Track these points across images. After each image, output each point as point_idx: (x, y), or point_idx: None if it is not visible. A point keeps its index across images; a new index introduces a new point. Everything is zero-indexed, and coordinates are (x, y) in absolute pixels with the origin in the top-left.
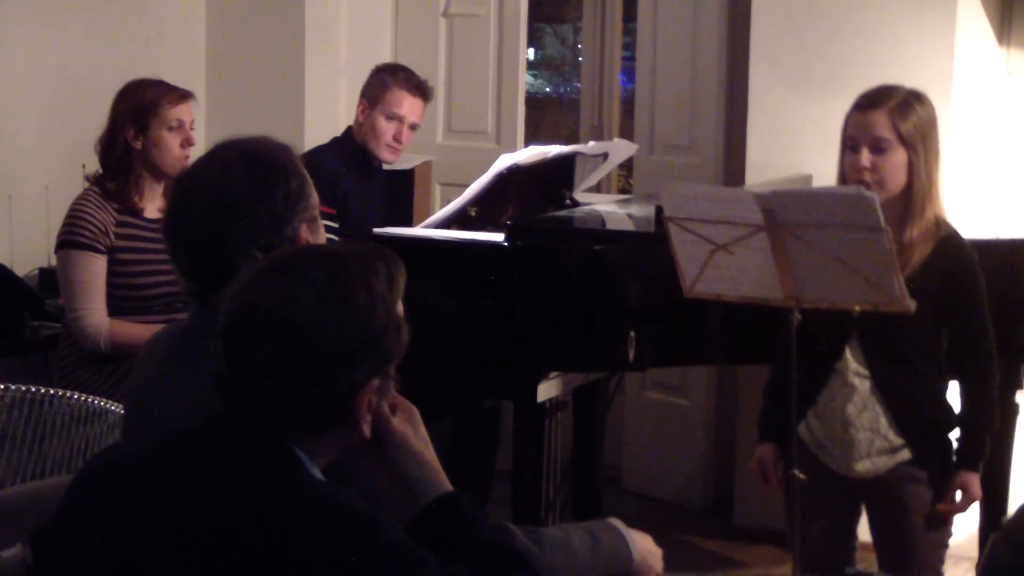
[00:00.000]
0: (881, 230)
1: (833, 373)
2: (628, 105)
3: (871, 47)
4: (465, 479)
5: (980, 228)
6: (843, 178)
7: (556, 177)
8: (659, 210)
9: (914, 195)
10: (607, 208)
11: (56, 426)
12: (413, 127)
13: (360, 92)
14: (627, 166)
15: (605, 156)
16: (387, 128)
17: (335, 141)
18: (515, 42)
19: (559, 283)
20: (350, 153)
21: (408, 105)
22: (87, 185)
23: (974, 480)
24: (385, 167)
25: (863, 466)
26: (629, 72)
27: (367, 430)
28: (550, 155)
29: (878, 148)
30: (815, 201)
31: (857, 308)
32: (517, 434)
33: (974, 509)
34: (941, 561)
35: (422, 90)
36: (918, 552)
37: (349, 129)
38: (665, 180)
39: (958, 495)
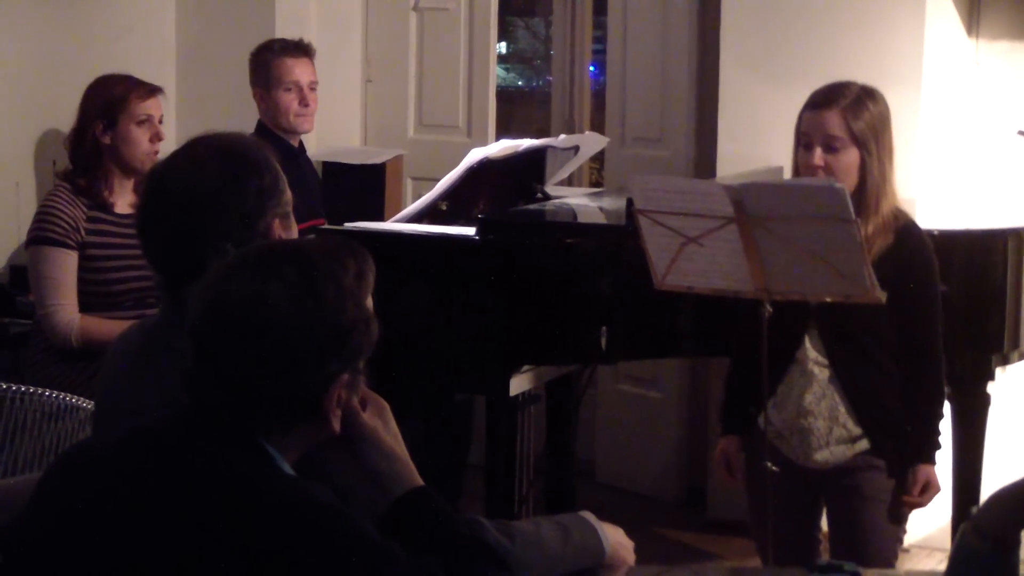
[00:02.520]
0: (851, 221)
1: (792, 363)
2: (599, 98)
3: (841, 39)
4: (437, 473)
5: (950, 219)
6: (797, 175)
7: (527, 171)
8: (630, 202)
9: (867, 193)
10: (578, 201)
11: (27, 423)
12: (312, 87)
13: (251, 84)
14: (598, 159)
15: (576, 149)
16: (289, 99)
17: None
18: (486, 36)
19: (531, 277)
20: (268, 145)
21: (297, 68)
22: (57, 181)
23: (931, 472)
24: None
25: (822, 456)
26: (600, 65)
27: (337, 425)
28: (521, 149)
29: (831, 147)
30: (785, 193)
31: (828, 299)
32: (490, 428)
33: (944, 500)
34: (895, 555)
35: (301, 49)
36: (872, 541)
37: (259, 123)
38: (636, 173)
39: (918, 489)
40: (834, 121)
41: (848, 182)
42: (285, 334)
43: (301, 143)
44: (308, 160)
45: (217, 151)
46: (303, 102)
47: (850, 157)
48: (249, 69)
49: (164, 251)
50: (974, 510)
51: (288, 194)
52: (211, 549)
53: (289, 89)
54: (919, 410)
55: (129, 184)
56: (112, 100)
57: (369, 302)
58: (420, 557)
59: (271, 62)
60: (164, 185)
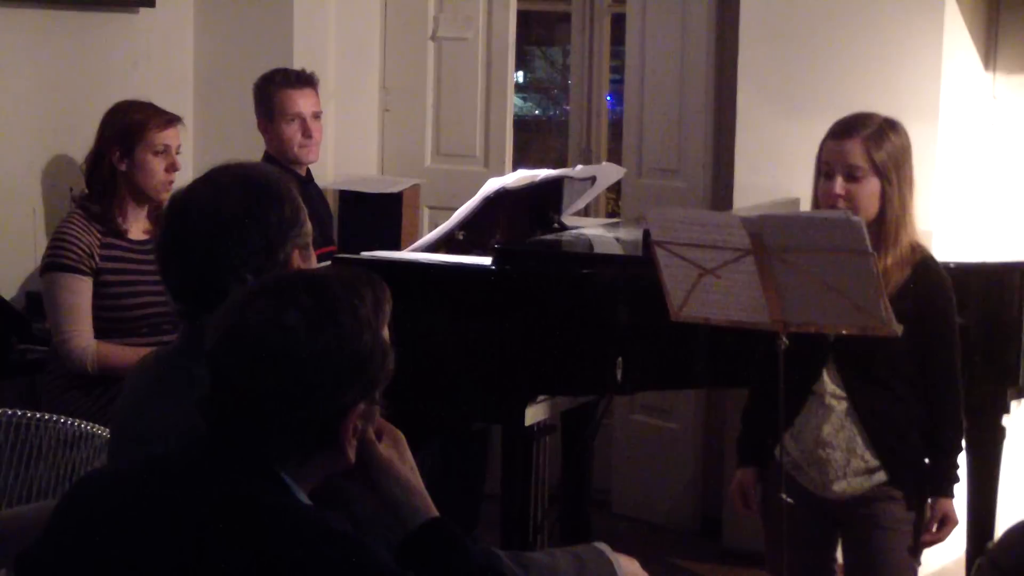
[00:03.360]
0: (868, 254)
1: (810, 395)
2: (616, 128)
3: (858, 71)
4: (453, 503)
5: (968, 252)
6: (816, 204)
7: (544, 201)
8: (647, 234)
9: (887, 224)
10: (595, 232)
11: (43, 450)
12: (316, 116)
13: (256, 115)
14: (615, 189)
15: (593, 180)
16: (292, 131)
17: None
18: (503, 65)
19: (547, 307)
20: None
21: (300, 100)
22: (72, 208)
23: (949, 506)
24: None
25: (839, 487)
26: (617, 95)
27: (352, 455)
28: (538, 179)
29: (852, 176)
30: (802, 225)
31: (844, 332)
32: (505, 458)
33: (959, 533)
34: None
35: (304, 79)
36: (887, 572)
37: (266, 154)
38: (653, 203)
39: (936, 523)
40: (856, 150)
41: (868, 212)
42: (302, 362)
43: (309, 172)
44: (317, 189)
45: (239, 180)
46: (306, 133)
47: (871, 187)
48: (253, 101)
49: (184, 279)
50: (990, 545)
51: (308, 225)
52: None
53: (292, 120)
54: (937, 443)
55: (143, 211)
56: (130, 128)
57: (386, 332)
58: None
59: (273, 94)
60: (185, 213)
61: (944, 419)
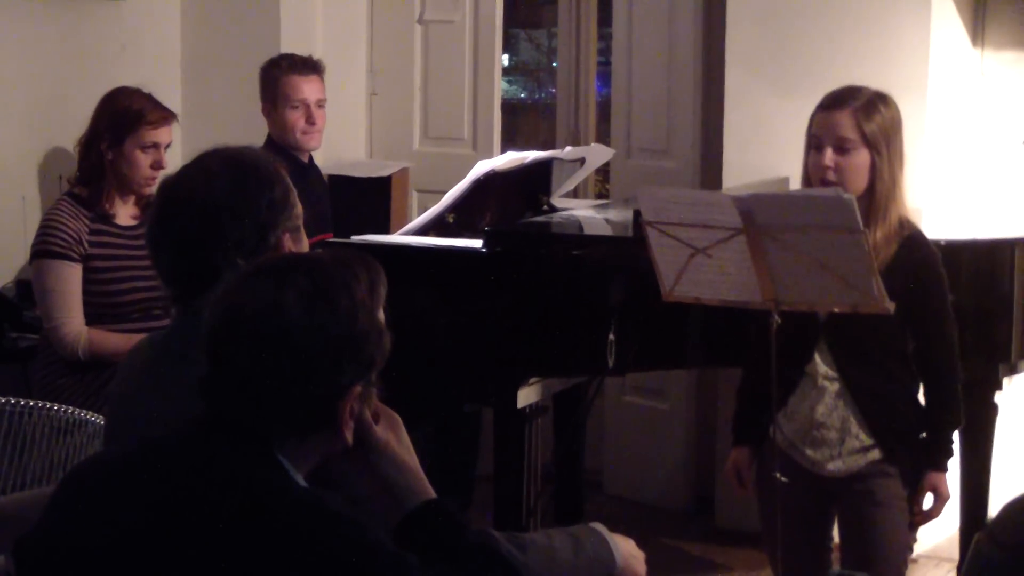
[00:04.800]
0: (859, 232)
1: (803, 376)
2: (604, 110)
3: (847, 49)
4: (446, 484)
5: (957, 229)
6: (807, 177)
7: (533, 183)
8: (637, 214)
9: (877, 196)
10: (585, 213)
11: (36, 437)
12: (320, 104)
13: (260, 99)
14: (604, 171)
15: (582, 161)
16: (295, 117)
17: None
18: (491, 48)
19: (538, 289)
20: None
21: (304, 87)
22: (63, 190)
23: (942, 480)
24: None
25: (835, 465)
26: (605, 77)
27: (349, 437)
28: (527, 161)
29: (842, 148)
30: (793, 203)
31: (836, 310)
32: (498, 440)
33: (953, 510)
34: (905, 564)
35: (310, 66)
36: (883, 547)
37: (268, 137)
38: (642, 184)
39: (928, 498)
40: (846, 122)
41: (858, 184)
42: (299, 343)
43: (311, 158)
44: (319, 175)
45: (228, 164)
46: (310, 120)
47: (861, 158)
48: (259, 84)
49: (175, 264)
50: (986, 519)
51: (299, 208)
52: (226, 560)
53: (296, 107)
54: (933, 418)
55: (130, 199)
56: (123, 119)
57: (381, 315)
58: (434, 567)
59: (279, 79)
60: (176, 198)
61: (940, 394)
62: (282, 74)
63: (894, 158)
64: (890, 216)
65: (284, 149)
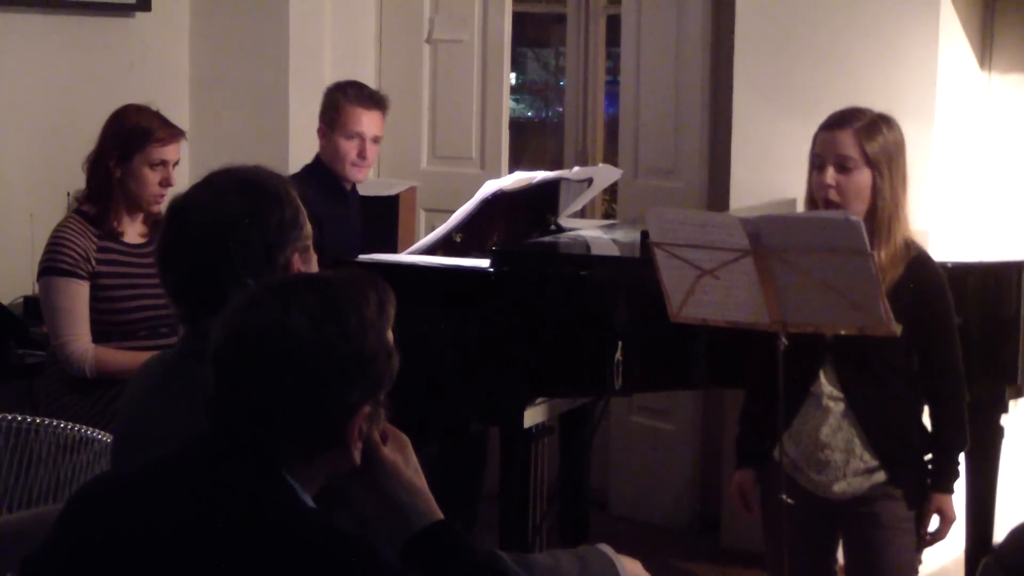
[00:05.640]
0: (867, 254)
1: (808, 396)
2: (612, 129)
3: (854, 71)
4: (452, 503)
5: (964, 251)
6: (810, 196)
7: (541, 203)
8: (644, 235)
9: (879, 217)
10: (592, 233)
11: (42, 455)
12: (375, 140)
13: (319, 118)
14: (611, 191)
15: (590, 181)
16: (349, 147)
17: (306, 169)
18: (499, 67)
19: (545, 308)
20: (321, 179)
21: (365, 120)
22: (69, 212)
23: (948, 502)
24: (369, 193)
25: (839, 487)
26: (612, 96)
27: (357, 457)
28: (535, 181)
29: (843, 167)
30: (801, 225)
31: (843, 332)
32: (504, 459)
33: (958, 532)
34: None
35: (375, 101)
36: (887, 571)
37: (318, 156)
38: (649, 204)
39: (934, 520)
40: (848, 141)
41: (860, 204)
42: (307, 363)
43: (353, 185)
44: (358, 202)
45: (238, 184)
46: (362, 154)
47: (863, 178)
48: (322, 102)
49: (184, 283)
50: (992, 542)
51: (308, 228)
52: None
53: (352, 138)
54: (939, 440)
55: (138, 216)
56: (132, 136)
57: (390, 335)
58: None
59: (343, 107)
60: (185, 217)
61: (946, 416)
62: (347, 102)
63: (896, 179)
64: (894, 237)
65: (330, 172)
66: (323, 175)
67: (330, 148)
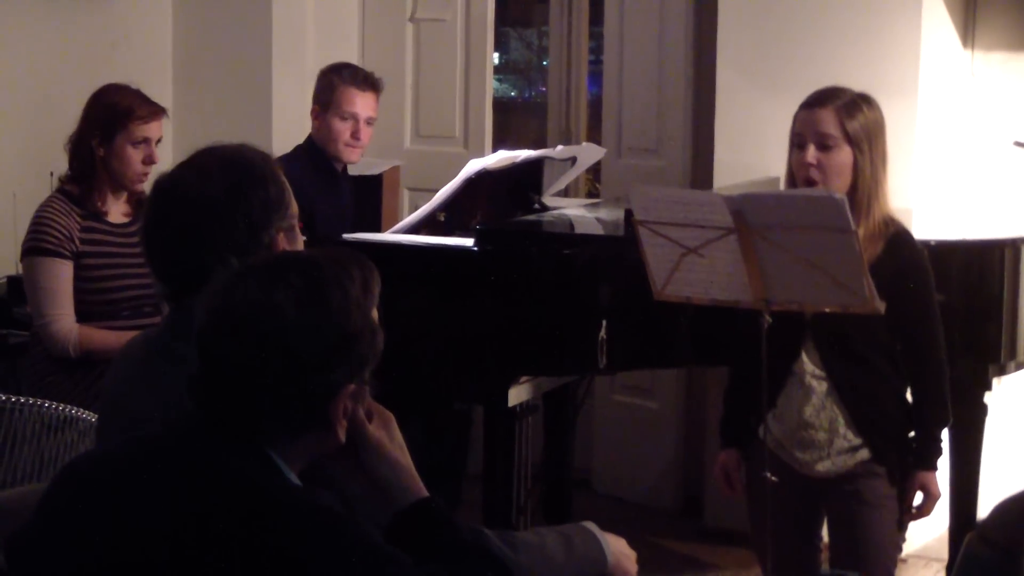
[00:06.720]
0: (850, 232)
1: (790, 375)
2: (595, 109)
3: (838, 49)
4: (436, 482)
5: (947, 230)
6: (791, 175)
7: (524, 181)
8: (628, 213)
9: (859, 195)
10: (576, 212)
11: (26, 434)
12: (369, 122)
13: (312, 99)
14: (594, 170)
15: (573, 160)
16: (343, 128)
17: (298, 149)
18: (482, 47)
19: (528, 287)
20: (313, 159)
21: (359, 102)
22: (53, 192)
23: (931, 479)
24: (352, 172)
25: (823, 466)
26: (596, 76)
27: (342, 435)
28: (519, 159)
29: (824, 145)
30: (784, 203)
31: (827, 310)
32: (488, 438)
33: (942, 510)
34: (894, 563)
35: (370, 83)
36: (872, 548)
37: (310, 136)
38: (633, 183)
39: (918, 496)
40: (828, 119)
41: (840, 182)
42: (291, 341)
43: (344, 167)
44: (350, 183)
45: (223, 162)
46: (355, 134)
47: (843, 156)
48: (316, 83)
49: (168, 261)
50: (976, 520)
51: (294, 207)
52: (220, 557)
53: (345, 119)
54: (921, 417)
55: (122, 196)
56: (113, 115)
57: (375, 313)
58: (426, 566)
59: (336, 87)
60: (170, 195)
61: (927, 393)
62: (341, 83)
63: (876, 158)
64: (873, 214)
65: (322, 153)
66: (315, 156)
67: (323, 129)
